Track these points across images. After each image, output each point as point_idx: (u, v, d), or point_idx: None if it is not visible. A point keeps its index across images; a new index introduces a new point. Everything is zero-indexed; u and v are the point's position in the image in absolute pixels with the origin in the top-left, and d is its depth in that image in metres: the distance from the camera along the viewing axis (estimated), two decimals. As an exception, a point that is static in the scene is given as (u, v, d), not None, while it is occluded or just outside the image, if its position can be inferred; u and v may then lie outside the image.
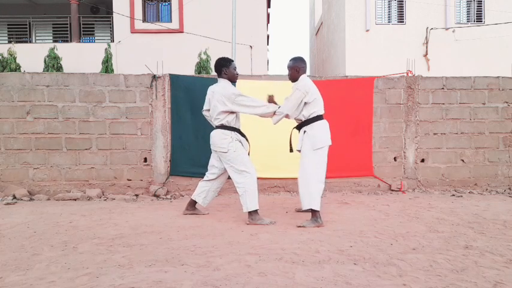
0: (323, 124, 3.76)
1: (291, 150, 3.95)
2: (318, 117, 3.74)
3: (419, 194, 5.61)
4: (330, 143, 3.77)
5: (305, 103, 3.67)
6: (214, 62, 4.06)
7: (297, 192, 5.61)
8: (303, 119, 3.74)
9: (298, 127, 3.84)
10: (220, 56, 4.05)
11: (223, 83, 3.88)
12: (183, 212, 4.21)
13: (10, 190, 5.37)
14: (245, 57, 12.33)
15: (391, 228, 3.53)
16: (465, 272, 2.38)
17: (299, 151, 3.77)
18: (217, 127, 3.86)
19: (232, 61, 3.98)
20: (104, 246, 2.98)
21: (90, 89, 5.54)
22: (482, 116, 5.87)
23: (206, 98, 4.04)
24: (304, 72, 3.83)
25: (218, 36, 11.97)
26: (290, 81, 3.90)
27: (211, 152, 4.06)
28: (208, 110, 4.00)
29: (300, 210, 4.26)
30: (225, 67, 3.90)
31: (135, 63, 9.79)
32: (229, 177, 4.00)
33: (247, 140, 3.96)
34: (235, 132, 3.85)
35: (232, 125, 3.84)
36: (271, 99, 3.87)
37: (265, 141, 5.33)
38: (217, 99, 3.79)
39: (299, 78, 3.79)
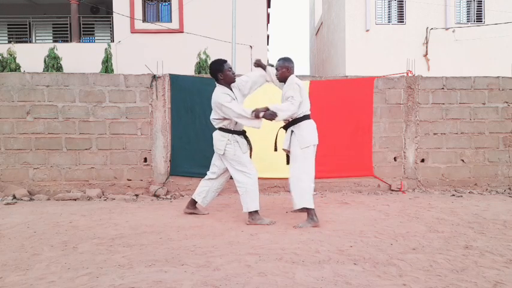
0: (310, 123, 3.77)
1: (275, 149, 3.94)
2: (305, 117, 3.74)
3: (419, 194, 5.61)
4: (317, 143, 3.78)
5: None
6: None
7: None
8: (290, 119, 3.73)
9: (285, 127, 3.84)
10: (214, 60, 3.98)
11: (217, 89, 3.85)
12: (183, 210, 4.21)
13: (10, 190, 5.37)
14: (245, 57, 12.30)
15: (391, 228, 3.53)
16: (465, 272, 2.38)
17: (286, 151, 3.77)
18: (217, 129, 3.90)
19: (225, 62, 3.87)
20: (104, 246, 2.98)
21: (90, 89, 5.54)
22: (482, 116, 5.87)
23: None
24: (293, 72, 3.83)
25: (218, 36, 11.96)
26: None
27: (211, 152, 4.07)
28: None
29: (293, 211, 4.21)
30: (219, 72, 3.82)
31: (135, 63, 9.78)
32: (231, 178, 4.01)
33: (249, 143, 3.92)
34: (234, 135, 3.83)
35: (231, 128, 3.83)
36: (258, 63, 3.98)
37: (265, 142, 5.32)
38: (212, 105, 3.85)
39: (289, 78, 3.76)
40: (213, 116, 3.88)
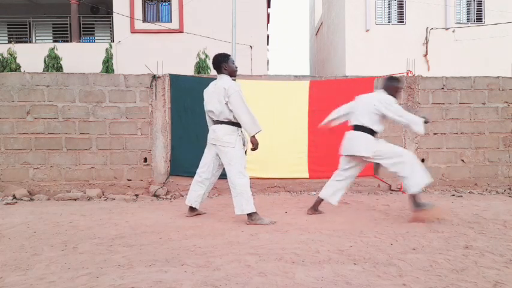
0: None
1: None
2: None
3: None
4: None
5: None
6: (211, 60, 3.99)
7: (297, 192, 5.62)
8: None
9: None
10: (218, 52, 3.97)
11: (226, 79, 3.81)
12: (186, 215, 4.14)
13: (10, 190, 5.37)
14: (245, 57, 12.31)
15: (391, 228, 3.53)
16: (465, 272, 2.38)
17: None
18: (224, 122, 3.77)
19: (230, 55, 3.91)
20: (104, 246, 2.98)
21: (90, 89, 5.54)
22: (482, 116, 5.87)
23: (206, 98, 3.93)
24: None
25: (218, 36, 11.97)
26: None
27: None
28: (211, 110, 3.83)
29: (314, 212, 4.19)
30: (224, 62, 3.83)
31: (135, 63, 9.79)
32: (224, 177, 3.95)
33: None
34: (239, 129, 3.81)
35: (236, 120, 3.76)
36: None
37: (266, 142, 5.32)
38: (222, 94, 3.69)
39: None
40: (223, 103, 3.70)
